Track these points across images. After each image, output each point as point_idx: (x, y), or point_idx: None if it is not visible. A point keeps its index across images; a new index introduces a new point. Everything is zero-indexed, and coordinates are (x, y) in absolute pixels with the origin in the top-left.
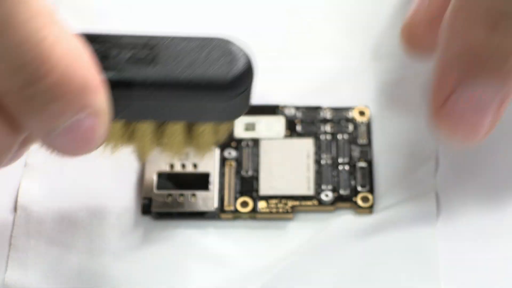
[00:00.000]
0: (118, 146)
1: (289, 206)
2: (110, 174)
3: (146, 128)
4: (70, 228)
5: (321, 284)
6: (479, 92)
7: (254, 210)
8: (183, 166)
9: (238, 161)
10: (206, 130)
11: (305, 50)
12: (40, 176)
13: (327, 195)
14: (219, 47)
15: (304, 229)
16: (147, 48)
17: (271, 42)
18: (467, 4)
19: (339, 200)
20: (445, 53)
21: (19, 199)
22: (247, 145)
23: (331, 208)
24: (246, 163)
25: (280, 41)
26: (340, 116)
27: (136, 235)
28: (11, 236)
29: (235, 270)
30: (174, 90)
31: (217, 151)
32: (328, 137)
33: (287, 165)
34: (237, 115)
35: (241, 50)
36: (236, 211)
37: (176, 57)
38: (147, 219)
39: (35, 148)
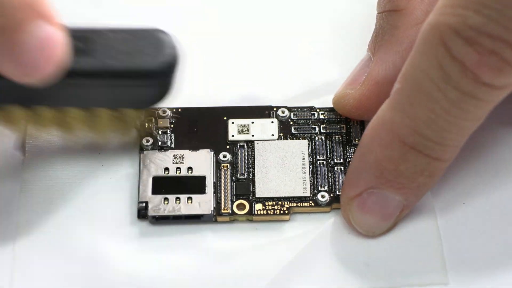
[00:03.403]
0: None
1: (285, 208)
2: (105, 181)
3: (75, 113)
4: (71, 237)
5: (321, 284)
6: (384, 199)
7: (251, 212)
8: (179, 170)
9: (233, 163)
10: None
11: (298, 52)
12: (38, 189)
13: (323, 196)
14: (148, 38)
15: (301, 230)
16: (79, 39)
17: (265, 44)
18: (387, 124)
19: (335, 201)
20: (360, 159)
21: (19, 213)
22: (242, 147)
23: (327, 209)
24: (241, 165)
25: (274, 43)
26: (333, 117)
27: (134, 240)
28: (13, 249)
29: (232, 273)
30: (96, 78)
31: (212, 154)
32: (322, 137)
33: (282, 166)
34: (152, 103)
35: (169, 41)
36: (232, 213)
37: (105, 48)
38: (144, 223)
39: (31, 163)
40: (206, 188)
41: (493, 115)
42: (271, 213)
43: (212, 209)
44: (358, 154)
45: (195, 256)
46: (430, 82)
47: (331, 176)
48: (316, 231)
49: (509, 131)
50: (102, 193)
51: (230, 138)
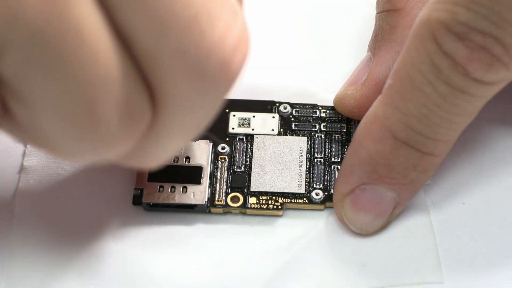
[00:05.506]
0: None
1: (279, 203)
2: (102, 168)
3: None
4: (67, 226)
5: (315, 283)
6: (376, 195)
7: (244, 205)
8: (176, 159)
9: (231, 156)
10: None
11: (302, 49)
12: (36, 179)
13: (317, 194)
14: None
15: (293, 227)
16: None
17: (268, 39)
18: (380, 119)
19: (329, 199)
20: (352, 155)
21: (16, 203)
22: (241, 140)
23: (321, 207)
24: (239, 158)
25: (277, 39)
26: (335, 115)
27: (128, 226)
28: (10, 233)
29: (222, 264)
30: None
31: (210, 145)
32: (322, 135)
33: (280, 162)
34: None
35: None
36: (226, 205)
37: None
38: (138, 209)
39: (30, 151)
40: (202, 178)
41: (490, 114)
42: (264, 207)
43: (206, 199)
44: (350, 150)
45: (186, 245)
46: (421, 77)
47: (327, 175)
48: (310, 229)
49: (506, 130)
50: (99, 179)
51: (230, 130)
